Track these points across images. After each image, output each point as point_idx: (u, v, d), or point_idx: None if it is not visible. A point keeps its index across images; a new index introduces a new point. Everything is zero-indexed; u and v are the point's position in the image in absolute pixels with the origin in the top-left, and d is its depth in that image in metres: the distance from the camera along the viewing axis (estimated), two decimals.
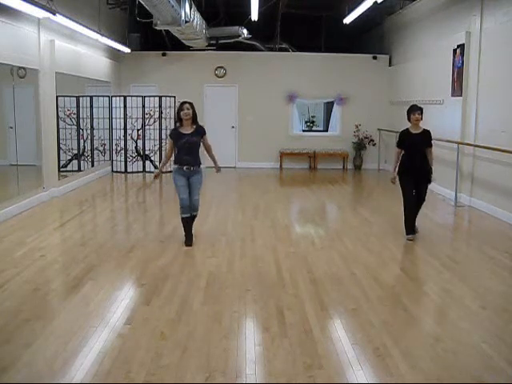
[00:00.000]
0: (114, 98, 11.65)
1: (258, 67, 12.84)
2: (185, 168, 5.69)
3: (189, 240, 5.80)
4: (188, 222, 5.85)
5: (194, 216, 5.93)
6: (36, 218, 7.04)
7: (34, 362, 3.08)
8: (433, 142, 6.14)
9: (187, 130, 5.67)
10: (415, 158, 5.99)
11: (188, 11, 8.94)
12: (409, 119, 6.02)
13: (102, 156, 11.28)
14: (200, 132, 5.75)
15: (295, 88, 12.84)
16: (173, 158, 6.08)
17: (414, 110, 5.97)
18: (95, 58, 10.70)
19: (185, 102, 5.70)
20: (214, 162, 6.03)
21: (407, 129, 6.09)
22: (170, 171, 11.54)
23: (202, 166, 5.85)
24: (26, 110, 7.72)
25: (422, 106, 6.08)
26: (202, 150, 5.89)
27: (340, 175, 12.08)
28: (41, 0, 6.86)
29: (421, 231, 6.14)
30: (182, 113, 5.61)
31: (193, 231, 5.89)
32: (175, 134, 5.73)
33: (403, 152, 6.10)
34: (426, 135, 6.05)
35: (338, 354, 3.23)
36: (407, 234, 6.05)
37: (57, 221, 7.02)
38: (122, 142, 11.72)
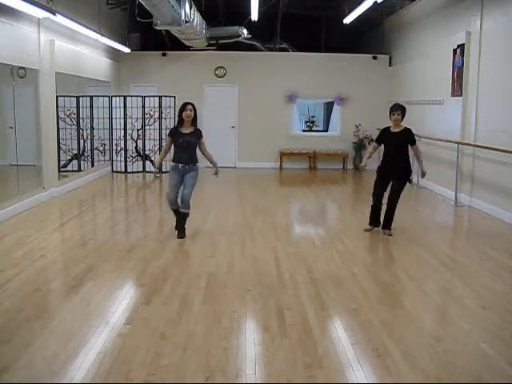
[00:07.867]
0: (113, 98, 11.65)
1: (258, 67, 12.84)
2: (180, 166, 5.90)
3: (180, 232, 5.99)
4: (178, 215, 6.05)
5: (185, 214, 6.01)
6: (36, 218, 7.04)
7: (33, 362, 3.07)
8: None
9: (186, 129, 5.91)
10: (391, 156, 6.24)
11: (188, 11, 8.94)
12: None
13: (102, 156, 11.27)
14: (197, 134, 5.98)
15: (295, 88, 12.83)
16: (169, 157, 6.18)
17: (394, 110, 6.13)
18: (95, 58, 10.70)
19: (188, 103, 5.90)
20: (213, 164, 6.14)
21: (388, 127, 6.28)
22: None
23: (198, 164, 6.04)
24: (25, 110, 7.71)
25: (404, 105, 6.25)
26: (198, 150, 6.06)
27: (340, 175, 12.08)
28: (41, 0, 6.87)
29: (421, 231, 6.10)
30: (184, 113, 5.84)
31: (186, 228, 6.08)
32: (175, 133, 5.95)
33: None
34: (405, 134, 6.15)
35: (337, 353, 3.23)
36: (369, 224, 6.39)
37: (57, 221, 7.02)
38: (122, 142, 11.72)
